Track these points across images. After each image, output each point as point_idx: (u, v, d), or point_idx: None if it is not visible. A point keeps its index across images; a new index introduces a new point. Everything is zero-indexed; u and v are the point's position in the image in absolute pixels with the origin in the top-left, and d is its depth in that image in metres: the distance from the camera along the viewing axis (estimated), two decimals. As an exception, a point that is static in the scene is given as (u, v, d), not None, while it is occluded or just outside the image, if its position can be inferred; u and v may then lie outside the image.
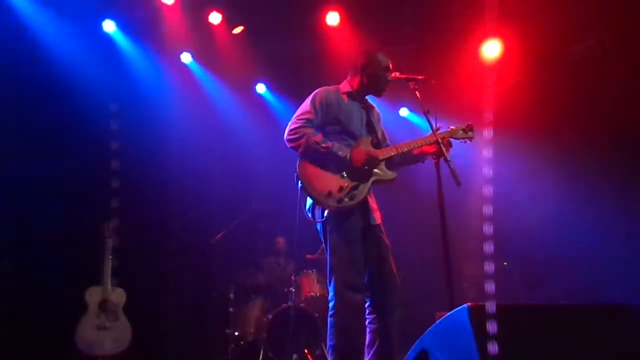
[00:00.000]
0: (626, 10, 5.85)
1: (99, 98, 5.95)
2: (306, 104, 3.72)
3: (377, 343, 3.53)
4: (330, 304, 3.53)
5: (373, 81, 3.81)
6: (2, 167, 5.48)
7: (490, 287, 6.31)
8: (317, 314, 5.73)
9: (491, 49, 6.85)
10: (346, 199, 3.50)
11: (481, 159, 6.53)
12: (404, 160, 3.82)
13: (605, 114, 6.35)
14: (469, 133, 3.85)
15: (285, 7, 6.41)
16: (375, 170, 3.63)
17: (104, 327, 5.31)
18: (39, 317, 5.40)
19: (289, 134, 3.64)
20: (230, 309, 6.12)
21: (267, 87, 7.45)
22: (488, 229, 6.52)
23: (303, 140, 3.58)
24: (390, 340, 3.52)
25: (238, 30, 6.71)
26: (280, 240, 6.83)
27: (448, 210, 3.32)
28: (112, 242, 5.57)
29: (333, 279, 3.53)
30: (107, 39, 6.31)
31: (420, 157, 3.77)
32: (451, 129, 3.81)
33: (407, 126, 7.53)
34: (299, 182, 3.58)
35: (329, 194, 3.50)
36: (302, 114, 3.68)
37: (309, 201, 3.64)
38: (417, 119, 7.53)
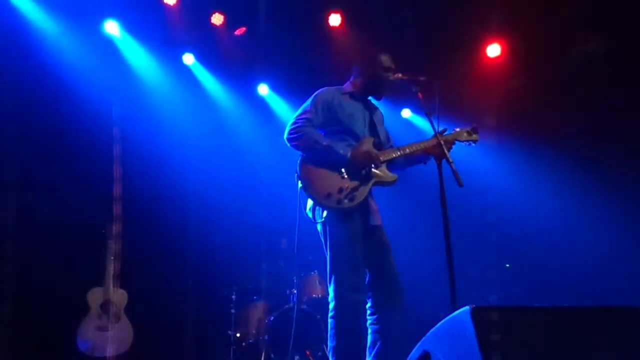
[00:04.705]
0: (629, 11, 5.85)
1: (100, 99, 5.95)
2: (307, 104, 3.73)
3: (378, 344, 3.52)
4: (331, 305, 3.53)
5: (374, 82, 3.82)
6: (3, 169, 5.49)
7: (492, 288, 6.32)
8: (318, 316, 5.71)
9: (494, 51, 6.85)
10: (346, 200, 3.49)
11: (484, 160, 6.56)
12: (406, 162, 3.81)
13: (609, 114, 6.35)
14: (474, 135, 3.84)
15: (287, 8, 6.41)
16: (376, 171, 3.61)
17: (105, 328, 5.31)
18: (40, 318, 5.39)
19: (289, 133, 3.64)
20: (232, 311, 6.11)
21: (270, 88, 7.45)
22: (491, 230, 6.55)
23: (303, 139, 3.58)
24: (391, 340, 3.51)
25: (240, 31, 6.71)
26: (285, 242, 6.82)
27: (450, 211, 3.32)
28: (114, 243, 5.57)
29: (333, 279, 3.52)
30: (108, 40, 6.31)
31: (422, 159, 3.77)
32: (456, 131, 3.81)
33: (409, 128, 7.52)
34: (299, 182, 3.58)
35: (329, 195, 3.49)
36: (302, 114, 3.68)
37: (310, 202, 3.64)
38: (420, 121, 7.52)
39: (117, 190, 5.65)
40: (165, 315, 6.23)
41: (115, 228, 5.61)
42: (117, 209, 5.62)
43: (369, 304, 3.61)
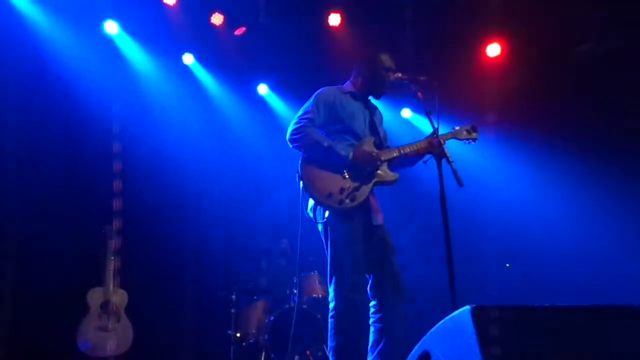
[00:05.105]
0: (628, 10, 5.85)
1: (100, 99, 5.95)
2: (308, 104, 3.73)
3: (382, 342, 3.53)
4: (331, 305, 3.54)
5: (375, 81, 3.82)
6: (3, 168, 5.49)
7: (492, 288, 6.32)
8: (319, 316, 5.71)
9: (494, 50, 6.84)
10: (347, 200, 3.50)
11: (484, 159, 6.56)
12: (406, 161, 3.81)
13: (609, 114, 6.34)
14: (473, 134, 3.85)
15: (287, 8, 6.40)
16: (378, 171, 3.62)
17: (106, 328, 5.30)
18: (40, 318, 5.39)
19: (291, 134, 3.65)
20: (232, 310, 6.12)
21: (269, 88, 7.44)
22: (491, 230, 6.55)
23: (305, 139, 3.59)
24: (394, 339, 3.52)
25: (240, 31, 6.71)
26: (285, 242, 6.81)
27: (450, 210, 3.31)
28: (114, 243, 5.56)
29: (333, 279, 3.53)
30: (108, 40, 6.30)
31: (423, 159, 3.76)
32: (455, 129, 3.82)
33: (409, 127, 7.52)
34: (301, 182, 3.58)
35: (330, 194, 3.50)
36: (304, 114, 3.69)
37: (311, 202, 3.64)
38: (420, 120, 7.52)
39: (117, 190, 5.65)
40: (165, 315, 6.23)
41: (115, 228, 5.60)
42: (117, 209, 5.62)
43: (372, 303, 3.62)
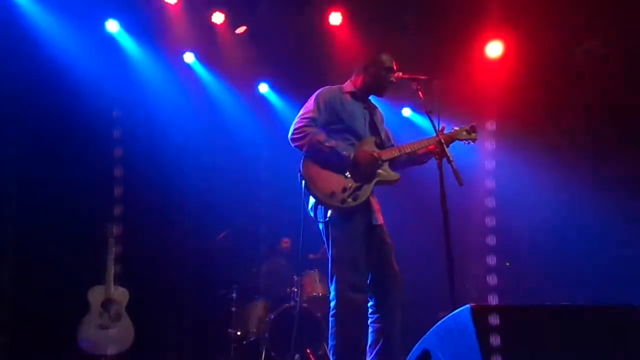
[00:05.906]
0: (629, 11, 5.85)
1: (101, 98, 5.96)
2: (309, 103, 3.73)
3: (380, 343, 3.53)
4: (332, 304, 3.54)
5: (375, 81, 3.82)
6: (5, 167, 5.49)
7: (492, 287, 6.33)
8: (319, 314, 5.73)
9: (494, 50, 6.85)
10: (349, 200, 3.51)
11: (484, 159, 6.56)
12: (407, 162, 3.82)
13: (609, 113, 6.35)
14: (473, 134, 3.85)
15: (287, 7, 6.41)
16: (379, 170, 3.63)
17: (106, 326, 5.32)
18: (41, 316, 5.40)
19: (293, 133, 3.65)
20: (233, 309, 6.14)
21: (270, 86, 7.45)
22: (491, 229, 6.55)
23: (307, 139, 3.59)
24: (393, 339, 3.52)
25: (241, 30, 6.71)
26: (287, 241, 6.82)
27: (451, 210, 3.32)
28: (115, 241, 5.57)
29: (334, 278, 3.54)
30: (110, 39, 6.31)
31: (424, 158, 3.77)
32: (455, 129, 3.82)
33: (409, 126, 7.53)
34: (303, 181, 3.58)
35: (332, 194, 3.51)
36: (305, 113, 3.69)
37: (312, 201, 3.65)
38: (420, 119, 7.53)
39: (118, 189, 5.66)
40: (166, 313, 6.25)
41: (116, 226, 5.61)
42: (118, 208, 5.62)
43: (371, 303, 3.62)
